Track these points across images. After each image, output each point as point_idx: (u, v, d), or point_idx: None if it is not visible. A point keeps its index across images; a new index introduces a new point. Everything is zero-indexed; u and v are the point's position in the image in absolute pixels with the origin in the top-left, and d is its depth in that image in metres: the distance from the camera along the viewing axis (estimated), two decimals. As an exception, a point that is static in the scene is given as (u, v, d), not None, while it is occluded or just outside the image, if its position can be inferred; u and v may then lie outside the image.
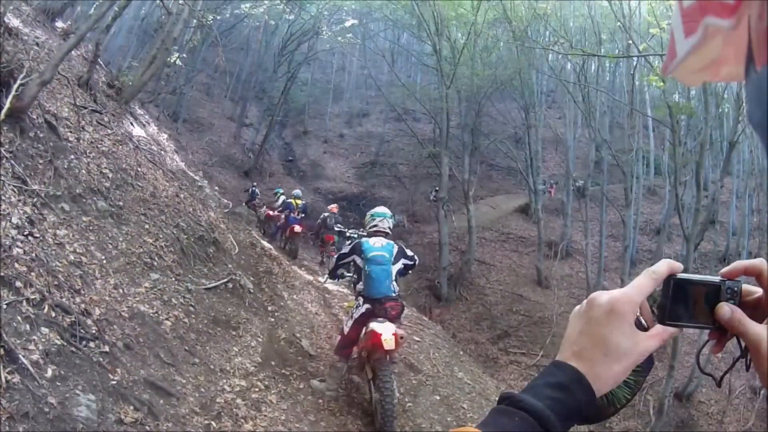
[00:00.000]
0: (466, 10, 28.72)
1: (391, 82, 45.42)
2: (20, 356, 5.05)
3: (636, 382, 1.26)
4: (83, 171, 9.60)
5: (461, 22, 30.53)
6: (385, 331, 8.12)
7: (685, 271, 1.22)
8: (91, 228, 8.62)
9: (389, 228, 9.33)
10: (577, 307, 1.27)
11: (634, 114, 25.20)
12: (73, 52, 11.44)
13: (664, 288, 1.20)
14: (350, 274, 10.17)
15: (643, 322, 1.22)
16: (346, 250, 9.33)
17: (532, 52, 28.40)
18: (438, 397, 10.37)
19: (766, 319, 1.16)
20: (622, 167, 24.33)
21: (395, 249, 9.01)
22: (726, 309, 1.16)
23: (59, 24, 17.41)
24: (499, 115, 41.01)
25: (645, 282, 1.21)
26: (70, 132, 10.36)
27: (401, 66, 55.57)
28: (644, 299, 1.21)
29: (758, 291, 1.19)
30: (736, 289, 1.18)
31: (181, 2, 17.65)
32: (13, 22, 12.07)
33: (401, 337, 8.49)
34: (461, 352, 15.29)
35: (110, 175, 10.46)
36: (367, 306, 8.70)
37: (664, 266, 1.21)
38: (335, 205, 25.32)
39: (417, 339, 12.94)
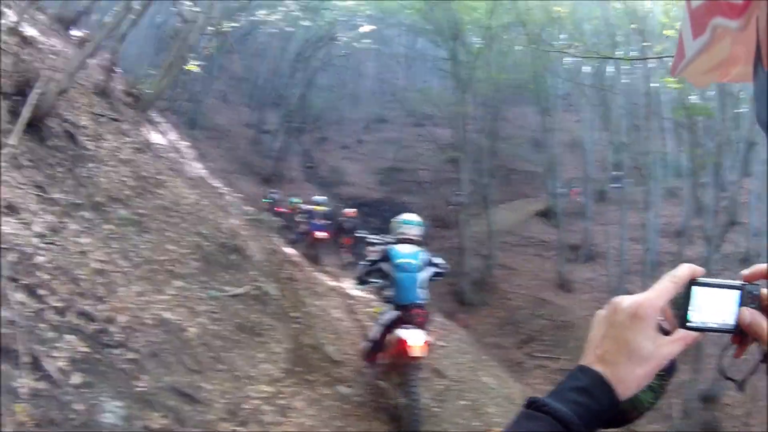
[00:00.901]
0: (481, 15, 28.71)
1: (408, 88, 45.46)
2: (46, 363, 5.04)
3: (660, 386, 1.25)
4: (103, 179, 9.63)
5: (476, 26, 30.52)
6: (412, 337, 8.15)
7: (708, 273, 1.24)
8: (113, 236, 8.62)
9: (418, 235, 9.30)
10: (600, 310, 1.29)
11: (651, 116, 25.09)
12: (90, 60, 11.49)
13: (686, 292, 1.22)
14: (377, 281, 10.14)
15: (666, 326, 1.23)
16: (374, 257, 9.30)
17: (547, 56, 28.32)
18: (464, 402, 10.35)
19: None
20: (641, 169, 24.16)
21: (424, 256, 8.99)
22: (746, 313, 1.19)
23: (75, 32, 17.46)
24: (517, 118, 40.99)
25: (667, 286, 1.22)
26: (89, 140, 10.37)
27: (418, 71, 55.55)
28: (666, 303, 1.22)
29: None
30: (756, 292, 1.20)
31: (196, 10, 17.66)
32: (29, 30, 12.10)
33: (428, 344, 8.47)
34: (486, 357, 15.25)
35: (131, 183, 10.49)
36: (394, 312, 8.71)
37: (685, 270, 1.23)
38: (352, 209, 25.59)
39: (442, 344, 12.89)
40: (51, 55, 11.95)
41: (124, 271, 8.00)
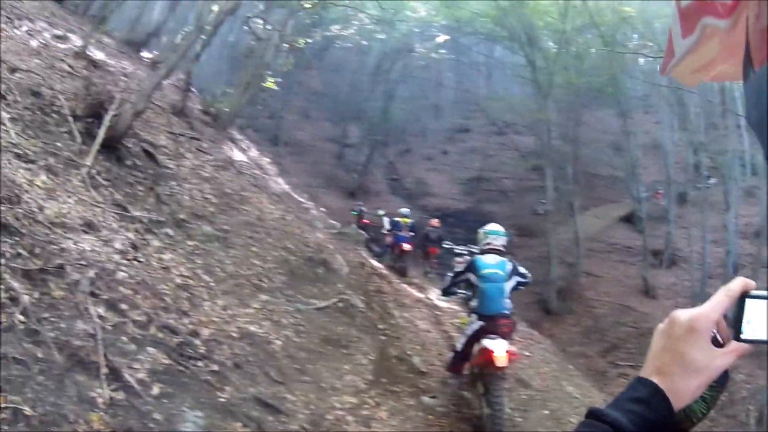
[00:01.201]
0: (554, 18, 28.58)
1: (489, 96, 45.16)
2: (125, 374, 5.13)
3: (712, 396, 1.27)
4: (186, 197, 9.83)
5: (551, 30, 30.36)
6: (498, 347, 8.06)
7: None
8: (197, 252, 8.77)
9: (502, 245, 9.26)
10: (660, 324, 1.32)
11: (727, 114, 24.63)
12: (164, 81, 11.72)
13: (738, 305, 1.23)
14: (463, 291, 10.11)
15: (719, 338, 1.25)
16: (460, 268, 9.26)
17: (622, 57, 27.96)
18: (547, 412, 10.23)
19: None
20: (720, 169, 23.71)
21: (509, 266, 8.94)
22: None
23: (145, 54, 17.79)
24: (597, 122, 40.42)
25: (721, 300, 1.24)
26: (170, 159, 10.65)
27: (497, 79, 54.90)
28: (720, 316, 1.24)
29: None
30: None
31: (269, 27, 17.84)
32: (97, 54, 12.37)
33: (513, 354, 8.41)
34: (570, 366, 15.08)
35: (214, 200, 10.68)
36: (480, 323, 8.63)
37: (738, 284, 1.24)
38: (436, 219, 25.79)
39: (527, 354, 12.78)
40: (123, 77, 12.26)
41: (208, 286, 8.12)
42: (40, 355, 4.62)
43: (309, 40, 25.26)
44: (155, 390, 5.32)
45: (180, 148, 11.56)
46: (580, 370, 17.21)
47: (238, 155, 15.67)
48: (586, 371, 18.38)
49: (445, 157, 51.95)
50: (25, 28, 11.27)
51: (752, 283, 1.23)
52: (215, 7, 13.76)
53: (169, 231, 8.64)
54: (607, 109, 36.11)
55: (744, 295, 1.22)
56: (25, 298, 4.90)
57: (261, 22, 18.83)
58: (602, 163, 38.81)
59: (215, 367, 6.36)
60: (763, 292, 1.22)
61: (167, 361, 5.79)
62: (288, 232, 12.26)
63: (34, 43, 10.73)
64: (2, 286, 4.82)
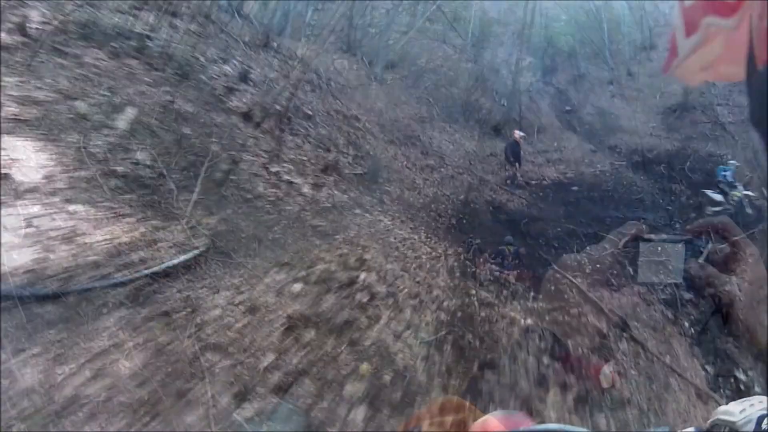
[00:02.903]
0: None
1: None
2: (234, 415, 5.41)
3: None
4: (289, 240, 10.12)
5: None
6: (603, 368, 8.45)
7: None
8: (303, 294, 8.74)
9: None
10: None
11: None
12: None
13: None
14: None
15: None
16: None
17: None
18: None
19: None
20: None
21: None
22: None
23: (235, 102, 18.81)
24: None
25: None
26: (272, 205, 11.03)
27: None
28: None
29: None
30: None
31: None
32: (186, 107, 12.84)
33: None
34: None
35: (316, 242, 10.72)
36: None
37: None
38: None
39: (633, 372, 12.50)
40: (214, 128, 12.59)
41: (317, 326, 8.13)
42: (146, 398, 4.89)
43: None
44: (264, 429, 5.54)
45: (280, 192, 11.77)
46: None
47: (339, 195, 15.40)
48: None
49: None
50: (106, 86, 11.46)
51: None
52: (299, 51, 14.81)
53: (277, 276, 8.75)
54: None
55: None
56: (130, 345, 5.27)
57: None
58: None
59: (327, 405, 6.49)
60: None
61: (277, 401, 5.98)
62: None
63: (117, 100, 11.13)
64: (105, 335, 5.23)
